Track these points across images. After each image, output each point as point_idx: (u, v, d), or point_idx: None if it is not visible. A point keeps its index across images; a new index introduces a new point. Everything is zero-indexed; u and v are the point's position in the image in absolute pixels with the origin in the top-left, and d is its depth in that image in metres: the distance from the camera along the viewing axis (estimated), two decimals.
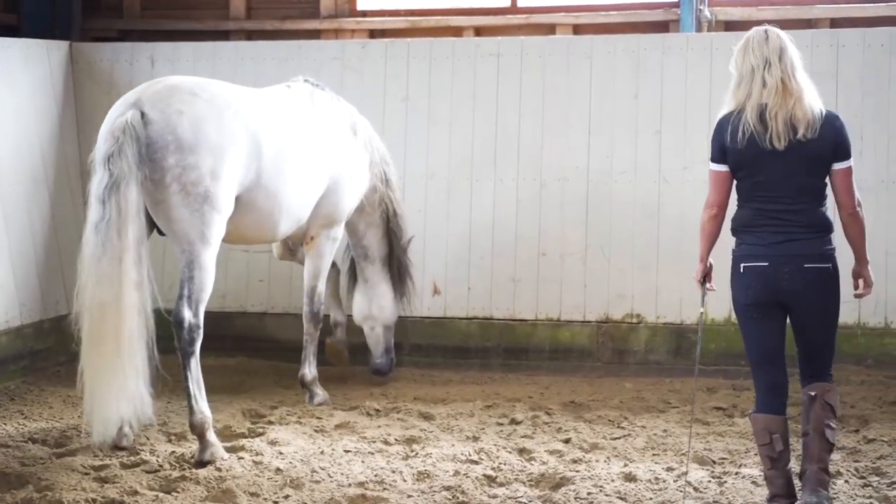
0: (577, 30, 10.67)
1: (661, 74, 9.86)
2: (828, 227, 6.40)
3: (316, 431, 8.27)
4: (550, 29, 10.73)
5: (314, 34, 11.16)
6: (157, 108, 7.54)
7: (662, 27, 10.51)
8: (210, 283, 7.71)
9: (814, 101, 6.33)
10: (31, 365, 9.70)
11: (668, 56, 9.86)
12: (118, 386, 7.33)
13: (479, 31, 10.87)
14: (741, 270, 6.40)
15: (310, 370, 9.06)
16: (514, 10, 10.89)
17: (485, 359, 10.11)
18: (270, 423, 8.43)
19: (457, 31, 10.89)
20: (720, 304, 9.50)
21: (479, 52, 10.18)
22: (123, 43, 11.01)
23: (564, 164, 9.98)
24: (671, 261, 9.78)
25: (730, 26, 10.43)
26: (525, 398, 9.16)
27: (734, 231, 6.49)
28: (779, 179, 6.31)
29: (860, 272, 6.57)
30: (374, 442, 8.01)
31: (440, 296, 10.14)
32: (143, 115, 7.48)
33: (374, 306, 9.58)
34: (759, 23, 10.08)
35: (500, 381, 9.81)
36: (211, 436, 7.60)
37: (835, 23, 10.27)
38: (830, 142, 6.33)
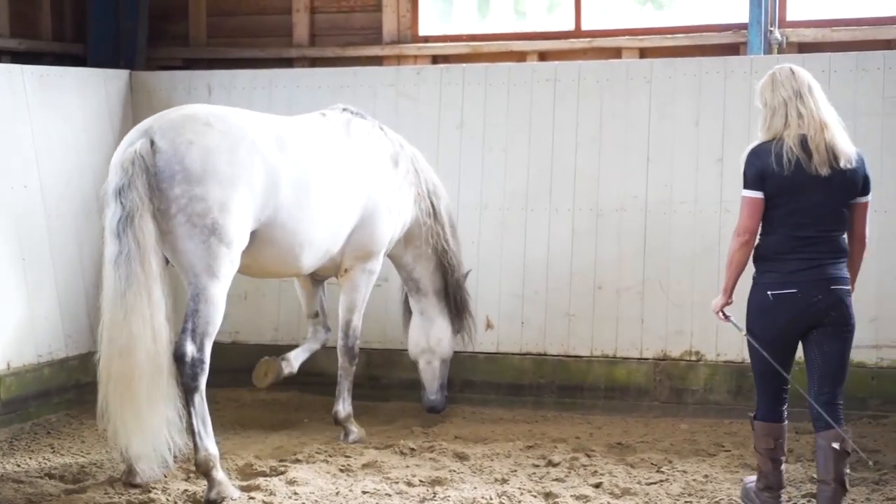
0: (643, 53, 10.24)
1: (724, 99, 9.37)
2: (846, 253, 6.73)
3: (341, 471, 7.97)
4: (616, 53, 10.31)
5: (376, 60, 10.92)
6: (168, 138, 7.35)
7: (731, 50, 10.03)
8: (217, 318, 7.46)
9: (847, 136, 6.64)
10: (77, 398, 9.55)
11: (730, 80, 9.36)
12: (162, 419, 7.21)
13: (542, 56, 10.51)
14: (770, 298, 6.62)
15: (344, 407, 8.78)
16: (577, 33, 10.50)
17: (538, 396, 9.70)
18: (297, 461, 8.15)
19: (520, 56, 10.54)
20: None
21: (535, 78, 9.80)
22: (182, 71, 10.91)
23: (622, 194, 9.55)
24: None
25: (803, 48, 9.89)
26: (571, 438, 8.73)
27: (760, 258, 6.70)
28: (813, 207, 6.56)
29: None
30: (396, 483, 7.68)
31: (493, 330, 9.76)
32: (152, 143, 7.30)
33: (431, 339, 9.29)
34: (834, 44, 9.76)
35: (552, 420, 9.39)
36: (218, 474, 7.35)
37: None
38: (862, 175, 6.65)
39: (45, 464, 8.11)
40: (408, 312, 9.50)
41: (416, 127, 9.95)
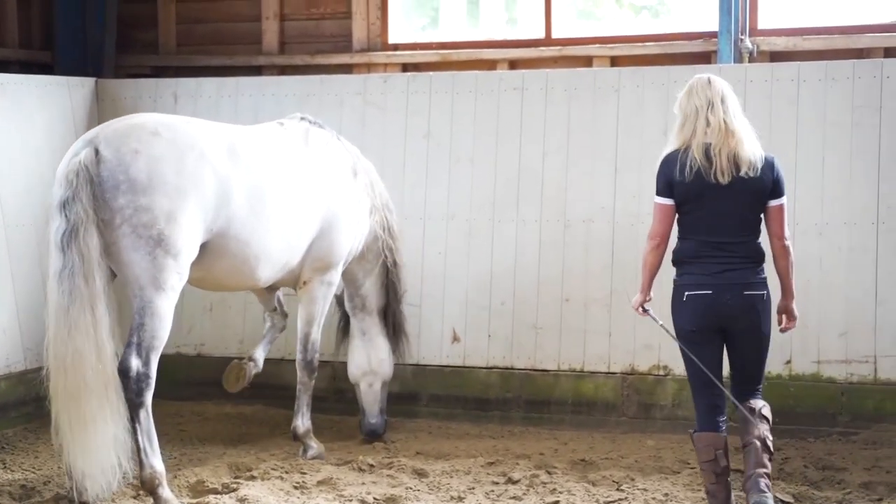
0: (614, 62, 10.07)
1: None
2: (762, 258, 6.91)
3: (294, 488, 7.80)
4: (587, 61, 10.14)
5: (346, 69, 10.76)
6: (112, 147, 7.19)
7: (703, 59, 9.84)
8: (164, 332, 7.30)
9: (755, 143, 6.81)
10: (36, 412, 9.29)
11: None
12: (110, 437, 7.02)
13: (513, 65, 10.34)
14: (684, 298, 6.89)
15: (303, 422, 8.61)
16: (548, 41, 10.33)
17: (505, 411, 9.52)
18: (252, 477, 7.97)
19: (490, 65, 10.38)
20: (805, 358, 8.88)
21: (502, 86, 9.64)
22: (148, 79, 10.75)
23: (590, 204, 9.38)
24: None
25: (775, 57, 9.71)
26: (535, 454, 8.56)
27: (677, 262, 6.95)
28: (720, 213, 6.77)
29: (786, 306, 7.11)
30: (350, 501, 7.53)
31: (459, 343, 9.59)
32: (97, 152, 7.14)
33: (373, 361, 9.09)
34: (806, 53, 9.59)
35: (519, 435, 9.22)
36: (164, 492, 7.20)
37: (889, 52, 9.48)
38: (770, 181, 6.83)
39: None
40: (344, 334, 9.29)
41: (383, 136, 9.79)
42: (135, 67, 11.35)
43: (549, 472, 8.08)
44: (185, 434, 9.20)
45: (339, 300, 9.14)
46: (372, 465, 8.27)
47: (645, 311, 7.19)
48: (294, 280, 8.47)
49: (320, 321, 8.61)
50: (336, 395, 9.88)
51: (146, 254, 7.15)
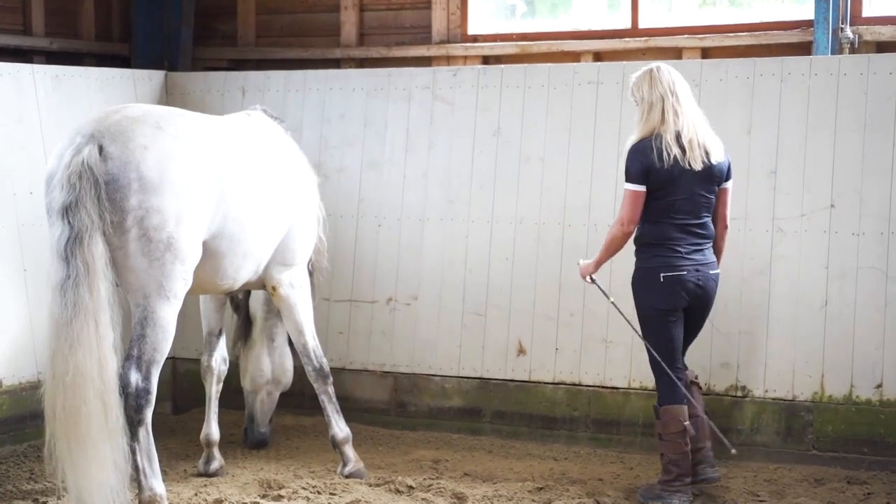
0: (705, 53, 9.25)
1: (779, 105, 8.36)
2: (713, 237, 7.41)
3: None
4: (676, 53, 9.35)
5: (424, 61, 10.16)
6: (119, 142, 6.66)
7: (801, 49, 8.95)
8: (166, 344, 6.80)
9: (711, 130, 7.30)
10: None
11: (786, 84, 8.34)
12: (108, 460, 6.47)
13: (597, 56, 9.59)
14: (661, 280, 7.21)
15: (340, 428, 8.07)
16: (634, 32, 9.56)
17: (572, 430, 8.80)
18: (279, 497, 7.46)
19: (574, 57, 9.65)
20: (838, 380, 8.05)
21: (576, 80, 8.91)
22: (217, 73, 10.30)
23: None
24: (783, 326, 8.28)
25: (882, 48, 8.76)
26: (592, 481, 7.86)
27: (646, 245, 7.29)
28: (690, 197, 7.19)
29: None
30: None
31: (525, 356, 8.91)
32: (101, 149, 6.63)
33: (277, 369, 8.67)
34: None
35: (584, 458, 8.52)
36: None
37: None
38: (727, 165, 7.34)
39: (10, 493, 7.58)
40: (244, 338, 8.71)
41: (450, 133, 9.21)
42: (212, 60, 10.95)
43: (597, 502, 7.38)
44: (232, 446, 8.74)
45: (237, 303, 8.61)
46: (411, 487, 7.69)
47: (593, 280, 7.54)
48: (258, 283, 7.89)
49: (311, 327, 8.04)
50: (398, 407, 9.33)
51: (155, 259, 6.66)
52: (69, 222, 6.50)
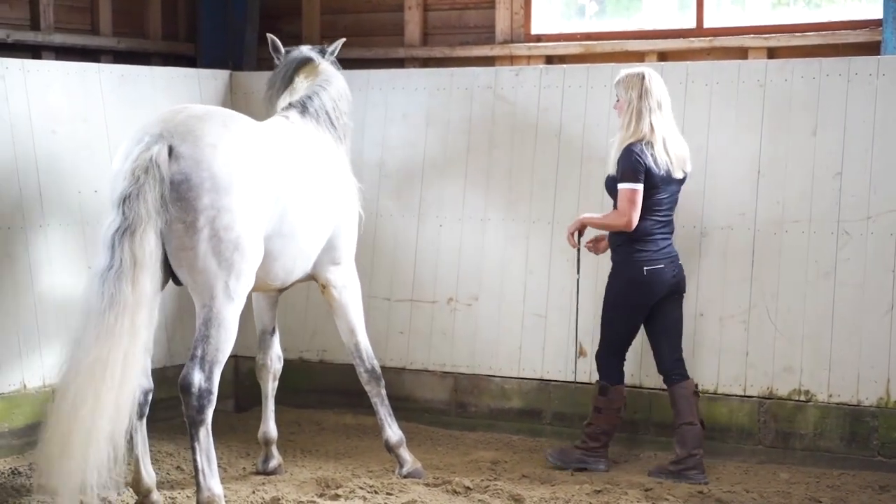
0: (772, 53, 9.13)
1: (845, 106, 8.23)
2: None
3: None
4: (741, 52, 9.24)
5: (488, 61, 10.13)
6: (189, 142, 6.64)
7: (869, 49, 8.81)
8: (229, 345, 6.79)
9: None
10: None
11: (853, 84, 8.21)
12: (100, 459, 6.30)
13: (662, 56, 9.50)
14: (644, 273, 7.79)
15: (393, 431, 8.03)
16: (699, 31, 9.46)
17: (633, 433, 8.72)
18: (336, 496, 7.46)
19: (638, 57, 9.56)
20: None
21: None
22: None
23: (728, 211, 8.51)
24: (848, 329, 8.15)
25: None
26: (653, 484, 7.78)
27: (631, 240, 7.77)
28: (669, 196, 7.81)
29: None
30: None
31: (585, 358, 8.84)
32: (171, 149, 6.60)
33: None
34: None
35: (645, 461, 8.43)
36: None
37: None
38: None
39: None
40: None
41: (512, 133, 9.17)
42: None
43: None
44: (291, 444, 8.77)
45: None
46: (468, 488, 7.65)
47: (578, 244, 8.08)
48: (306, 280, 7.83)
49: (362, 327, 7.97)
50: (458, 408, 9.31)
51: (224, 259, 6.63)
52: (124, 212, 6.46)
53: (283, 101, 8.06)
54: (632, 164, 7.61)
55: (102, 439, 6.31)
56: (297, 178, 7.22)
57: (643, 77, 7.65)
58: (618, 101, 7.79)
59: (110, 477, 6.44)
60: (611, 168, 7.84)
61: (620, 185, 7.67)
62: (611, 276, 7.97)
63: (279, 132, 7.45)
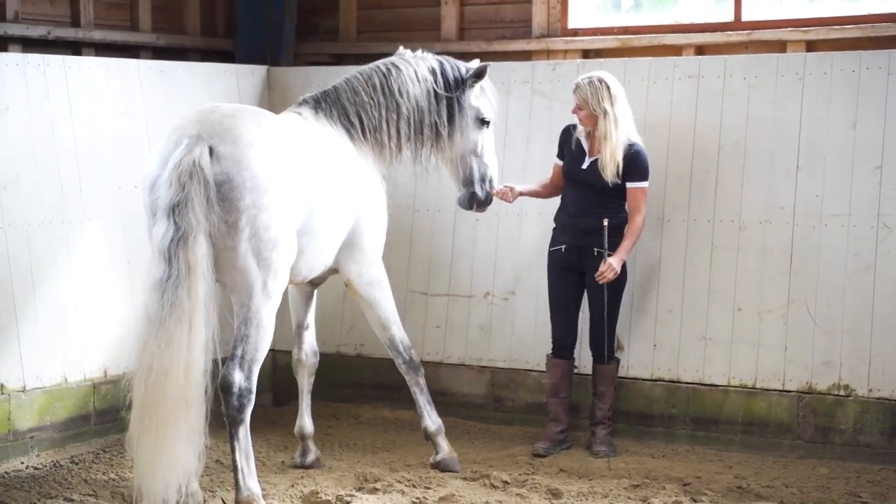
0: (810, 46, 9.06)
1: (885, 99, 8.19)
2: None
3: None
4: (780, 46, 9.17)
5: (524, 56, 10.10)
6: (228, 142, 6.65)
7: None
8: (267, 343, 6.82)
9: None
10: None
11: (893, 77, 8.16)
12: (180, 457, 6.43)
13: (699, 50, 9.45)
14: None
15: (432, 420, 8.05)
16: (737, 25, 9.41)
17: (670, 428, 8.71)
18: (374, 490, 7.48)
19: (676, 51, 9.52)
20: None
21: (676, 74, 8.83)
22: (317, 68, 10.38)
23: (766, 204, 8.48)
24: (888, 323, 8.10)
25: None
26: (690, 478, 7.77)
27: (619, 227, 8.21)
28: None
29: None
30: None
31: (623, 352, 8.82)
32: (211, 150, 6.61)
33: None
34: None
35: (683, 455, 8.43)
36: None
37: None
38: None
39: (112, 481, 7.70)
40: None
41: (549, 128, 9.12)
42: (314, 55, 11.01)
43: (693, 500, 7.30)
44: (329, 438, 8.80)
45: None
46: (506, 482, 7.67)
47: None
48: (325, 275, 7.82)
49: (395, 319, 7.94)
50: (495, 402, 9.32)
51: (263, 258, 6.67)
52: (175, 222, 6.45)
53: None
54: (646, 165, 8.20)
55: (179, 441, 6.43)
56: (321, 175, 7.23)
57: (608, 86, 8.11)
58: (579, 108, 8.22)
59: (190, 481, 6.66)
60: (610, 175, 8.15)
61: (638, 184, 8.17)
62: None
63: (303, 127, 7.47)
